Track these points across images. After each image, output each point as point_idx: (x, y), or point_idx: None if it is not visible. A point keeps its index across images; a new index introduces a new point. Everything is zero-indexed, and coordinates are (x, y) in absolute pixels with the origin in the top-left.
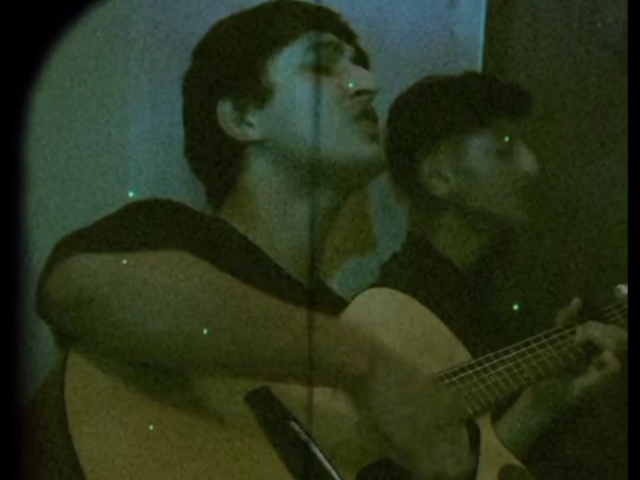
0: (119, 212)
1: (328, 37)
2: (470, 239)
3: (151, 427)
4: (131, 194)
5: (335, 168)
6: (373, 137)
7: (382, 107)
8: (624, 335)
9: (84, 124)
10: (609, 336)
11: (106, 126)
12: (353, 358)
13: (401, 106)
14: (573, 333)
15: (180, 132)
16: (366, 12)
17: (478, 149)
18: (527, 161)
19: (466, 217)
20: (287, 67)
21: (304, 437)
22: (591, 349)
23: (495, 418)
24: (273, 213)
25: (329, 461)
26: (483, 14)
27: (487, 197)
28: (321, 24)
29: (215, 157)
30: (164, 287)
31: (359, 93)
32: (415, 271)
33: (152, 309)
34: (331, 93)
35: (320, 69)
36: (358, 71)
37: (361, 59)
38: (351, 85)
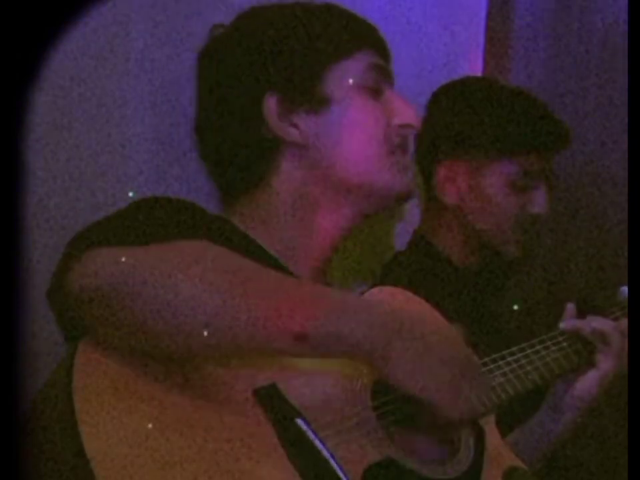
0: (128, 207)
1: (380, 59)
2: (470, 239)
3: (151, 427)
4: (130, 194)
5: (369, 195)
6: (406, 169)
7: None
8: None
9: (84, 124)
10: (587, 324)
11: (106, 126)
12: (372, 330)
13: (439, 99)
14: (576, 334)
15: (180, 132)
16: (366, 12)
17: (499, 176)
18: (541, 202)
19: (466, 226)
20: (344, 81)
21: (310, 434)
22: (592, 348)
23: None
24: (288, 217)
25: (335, 460)
26: (483, 14)
27: (491, 223)
28: (377, 45)
29: (244, 151)
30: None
31: (402, 125)
32: (414, 270)
33: (152, 308)
34: (377, 119)
35: (373, 91)
36: (402, 102)
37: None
38: (396, 117)
